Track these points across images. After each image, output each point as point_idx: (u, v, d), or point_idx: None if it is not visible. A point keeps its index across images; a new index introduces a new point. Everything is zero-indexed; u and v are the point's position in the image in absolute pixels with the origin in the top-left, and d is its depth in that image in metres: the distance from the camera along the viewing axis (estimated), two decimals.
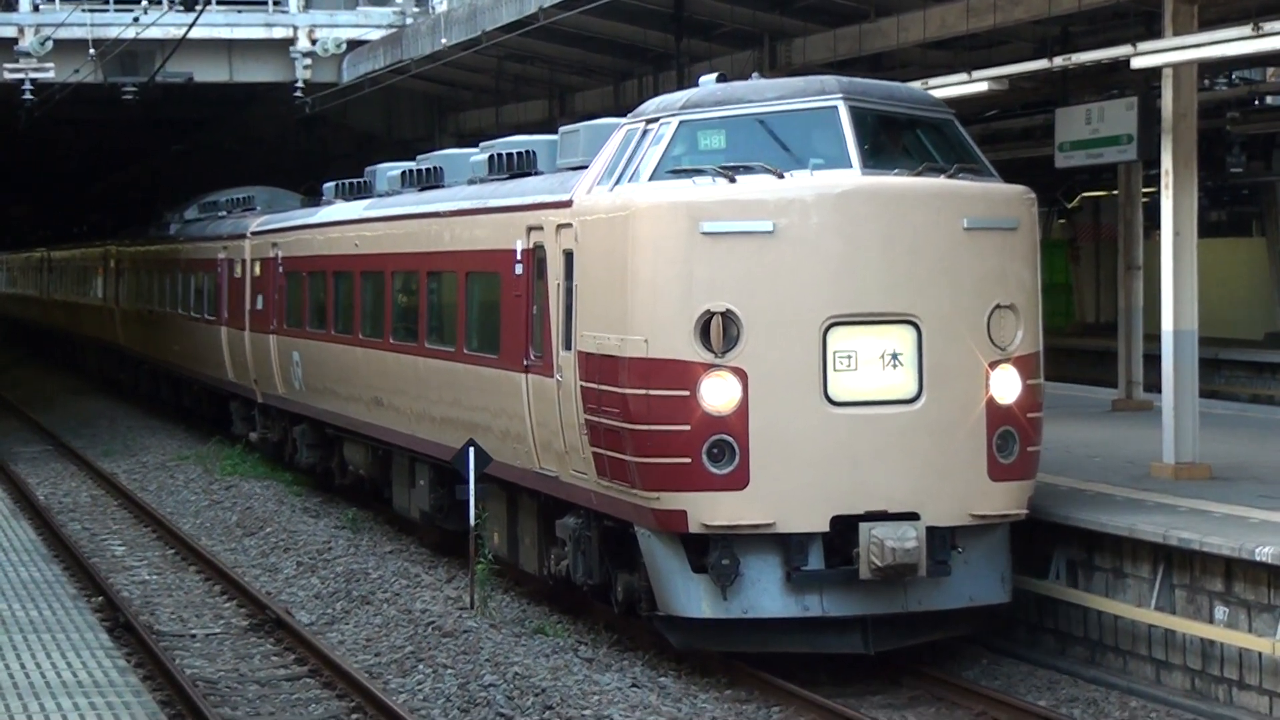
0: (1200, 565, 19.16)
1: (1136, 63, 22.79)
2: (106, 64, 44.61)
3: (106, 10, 45.30)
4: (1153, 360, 26.36)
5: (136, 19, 43.02)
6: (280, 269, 34.99)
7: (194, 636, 22.96)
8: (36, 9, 45.71)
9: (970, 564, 19.36)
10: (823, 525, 18.87)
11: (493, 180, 24.90)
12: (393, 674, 20.71)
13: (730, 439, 18.76)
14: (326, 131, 52.87)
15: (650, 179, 19.62)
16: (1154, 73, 24.26)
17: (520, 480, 23.07)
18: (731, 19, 33.98)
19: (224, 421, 41.24)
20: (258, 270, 36.41)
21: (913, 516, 18.86)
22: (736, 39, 35.15)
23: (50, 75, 44.73)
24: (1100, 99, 27.54)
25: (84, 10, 45.04)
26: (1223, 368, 40.08)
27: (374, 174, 31.70)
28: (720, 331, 18.71)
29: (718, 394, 18.77)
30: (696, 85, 21.23)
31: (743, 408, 18.76)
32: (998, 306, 19.36)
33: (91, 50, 44.41)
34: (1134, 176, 32.16)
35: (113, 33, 44.25)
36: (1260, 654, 18.24)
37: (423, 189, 28.20)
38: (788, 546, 18.87)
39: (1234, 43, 21.62)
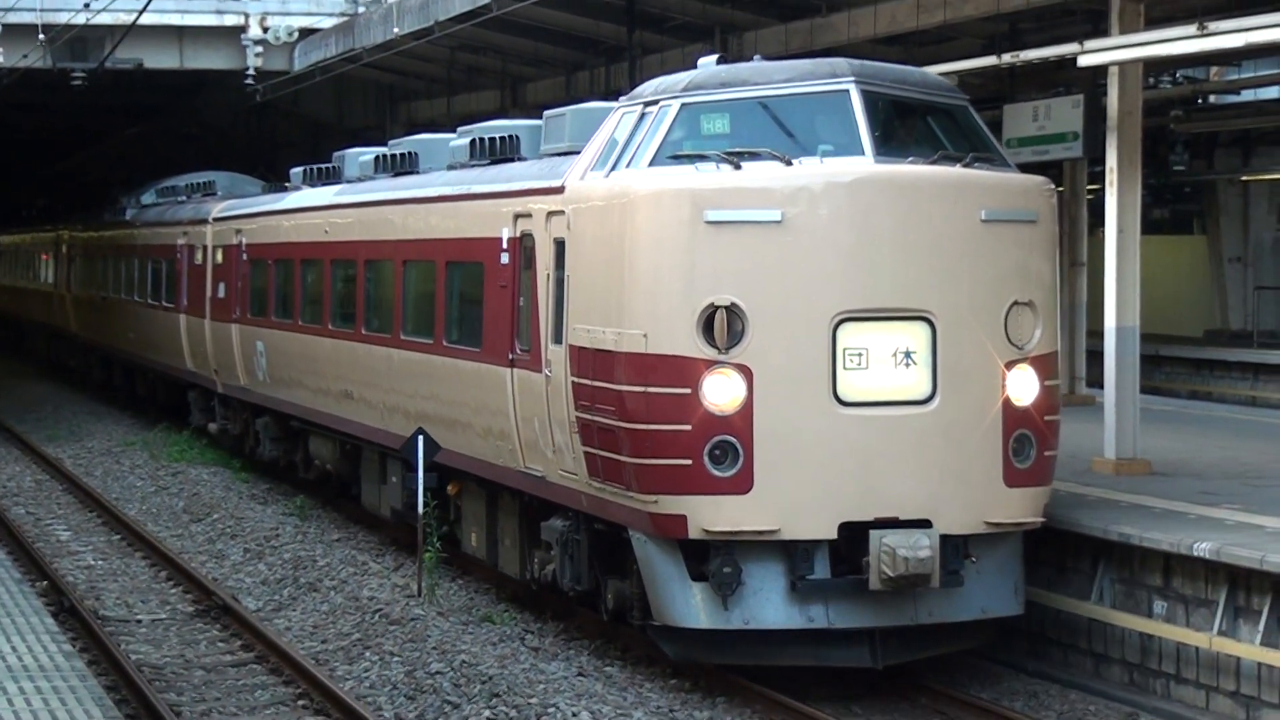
0: (1139, 560, 19.19)
1: (1083, 60, 22.83)
2: (56, 49, 44.52)
3: None
4: (1095, 356, 26.42)
5: (87, 4, 42.62)
6: (244, 256, 33.74)
7: (140, 622, 22.87)
8: None
9: (983, 574, 18.11)
10: (830, 532, 17.59)
11: (474, 166, 23.74)
12: (339, 661, 20.64)
13: (733, 440, 17.40)
14: (278, 119, 52.82)
15: (650, 164, 18.26)
16: (1100, 71, 24.34)
17: (502, 479, 21.89)
18: (683, 12, 34.01)
19: (180, 410, 40.50)
20: (219, 257, 35.32)
21: (925, 524, 17.59)
22: (689, 32, 35.17)
23: None
24: (1047, 96, 27.56)
25: None
26: (1163, 364, 40.22)
27: (343, 159, 30.59)
28: (724, 326, 17.36)
29: (721, 392, 17.42)
30: (695, 67, 19.87)
31: (747, 407, 17.40)
32: (1015, 303, 18.09)
33: (41, 35, 44.33)
34: (1079, 174, 32.31)
35: (63, 18, 44.15)
36: (1197, 648, 18.26)
37: (396, 174, 27.04)
38: (792, 554, 17.64)
39: (1179, 41, 21.66)
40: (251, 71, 46.18)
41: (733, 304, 17.35)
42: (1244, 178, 40.83)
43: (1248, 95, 38.86)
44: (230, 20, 46.41)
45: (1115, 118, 23.60)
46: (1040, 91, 29.71)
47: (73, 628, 21.32)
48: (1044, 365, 18.23)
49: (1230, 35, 21.50)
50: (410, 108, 49.40)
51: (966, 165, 18.24)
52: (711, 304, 17.36)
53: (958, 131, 18.93)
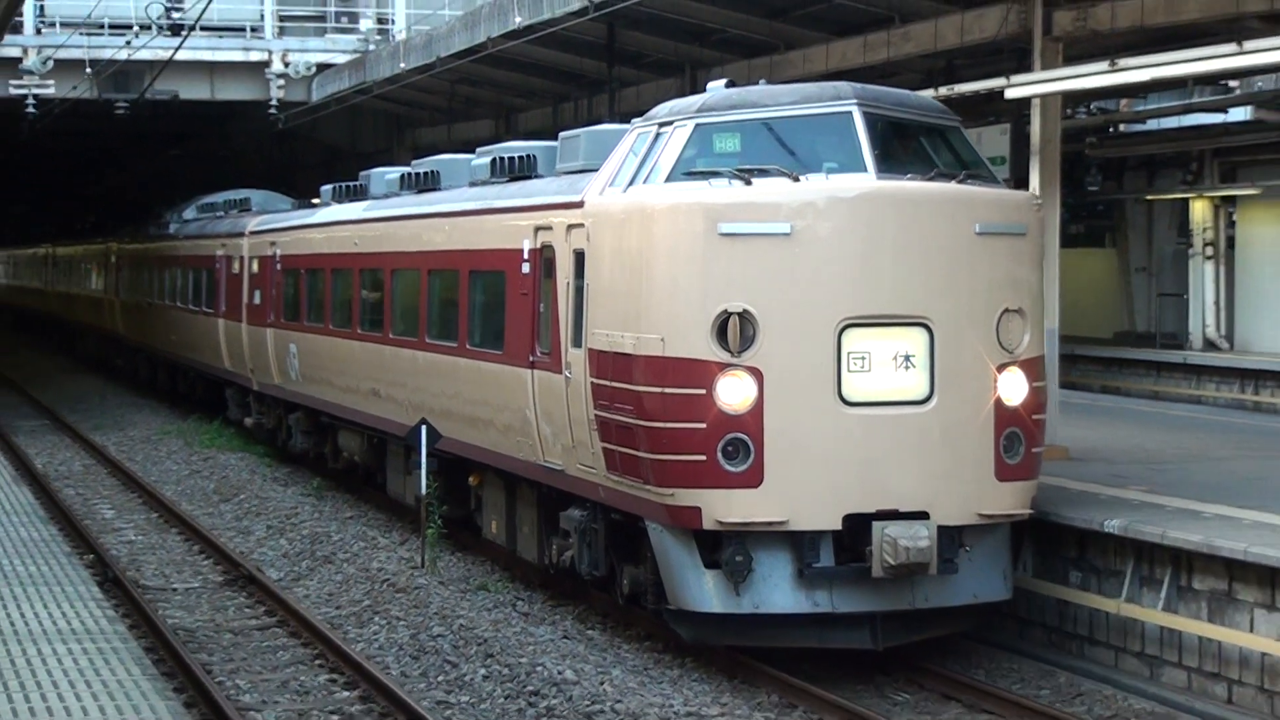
0: (1058, 535, 19.21)
1: (1010, 93, 22.97)
2: (101, 82, 44.61)
3: (102, 34, 45.33)
4: None
5: (128, 42, 43.27)
6: (278, 266, 32.82)
7: (175, 590, 22.84)
8: (39, 32, 45.81)
9: (975, 562, 17.49)
10: (835, 523, 16.94)
11: (494, 183, 22.92)
12: (351, 625, 20.65)
13: (745, 437, 16.75)
14: (297, 144, 52.76)
15: (667, 180, 17.60)
16: (1025, 102, 24.44)
17: (522, 472, 21.00)
18: (657, 50, 34.02)
19: (217, 405, 39.87)
20: (255, 267, 34.56)
21: (923, 515, 17.00)
22: (661, 67, 35.18)
23: (50, 91, 44.79)
24: (980, 125, 27.59)
25: (81, 34, 45.07)
26: (1078, 362, 40.15)
27: (368, 178, 29.62)
28: (737, 331, 16.71)
29: (734, 393, 16.78)
30: (705, 90, 18.99)
31: (758, 407, 16.76)
32: (1006, 310, 17.47)
33: (88, 69, 44.56)
34: None
35: (107, 54, 44.37)
36: (1108, 614, 18.36)
37: (420, 191, 26.20)
38: (799, 543, 16.97)
39: (1093, 76, 21.84)
40: (274, 102, 46.20)
41: (745, 310, 16.76)
42: (1149, 197, 40.79)
43: (1152, 124, 38.90)
44: (256, 56, 46.54)
45: (1038, 144, 23.73)
46: (974, 120, 29.77)
47: (116, 596, 21.27)
48: (1032, 368, 17.72)
49: (1137, 71, 21.65)
50: (415, 134, 49.34)
51: (960, 181, 17.74)
52: (725, 310, 16.78)
53: (950, 150, 18.39)
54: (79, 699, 13.85)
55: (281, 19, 48.75)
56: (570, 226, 19.10)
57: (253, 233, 34.90)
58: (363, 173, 29.82)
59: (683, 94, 33.86)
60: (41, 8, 46.33)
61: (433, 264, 24.10)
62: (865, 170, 17.22)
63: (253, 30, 47.65)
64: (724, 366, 16.77)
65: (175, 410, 44.53)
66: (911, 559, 16.56)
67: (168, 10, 44.53)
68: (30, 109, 45.06)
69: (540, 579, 21.90)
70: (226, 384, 38.13)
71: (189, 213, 44.66)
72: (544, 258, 19.92)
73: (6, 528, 22.17)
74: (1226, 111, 36.90)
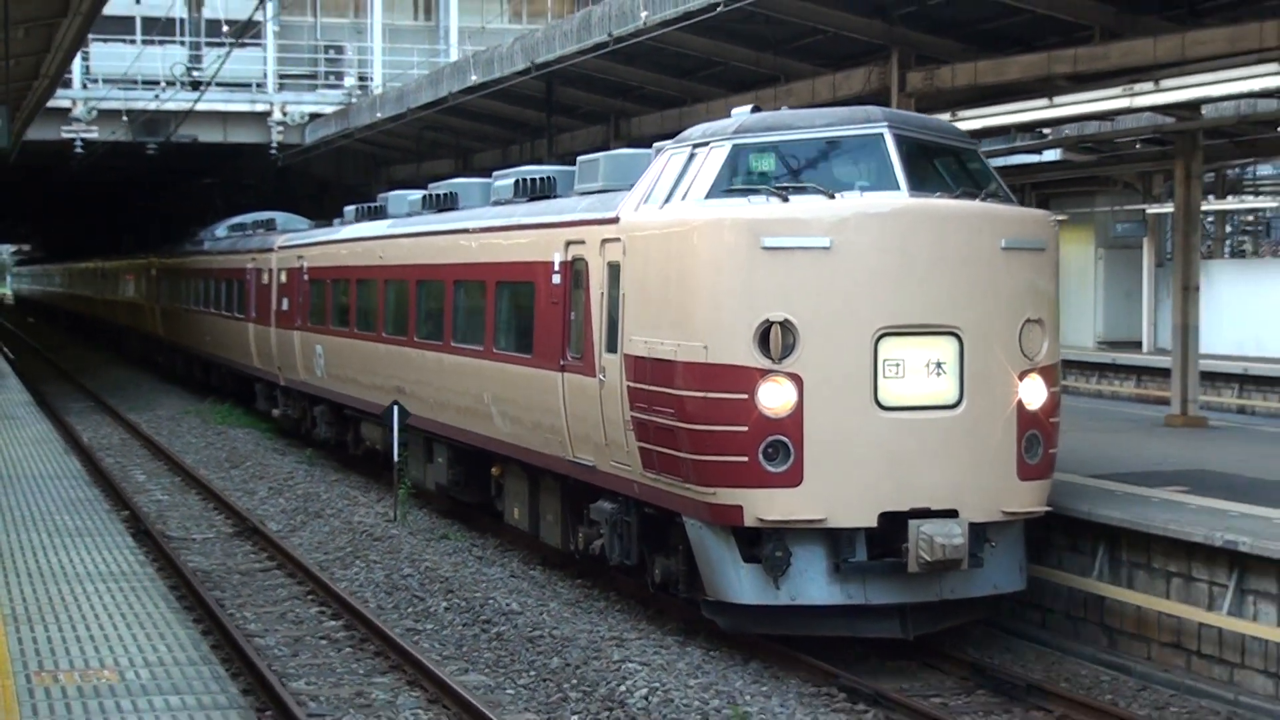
0: None
1: None
2: (135, 127, 44.65)
3: (135, 88, 45.40)
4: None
5: (157, 95, 43.61)
6: (305, 277, 30.85)
7: (194, 540, 22.72)
8: (85, 86, 45.88)
9: (995, 555, 15.57)
10: (871, 521, 14.97)
11: (516, 202, 21.08)
12: (337, 567, 20.59)
13: (785, 439, 14.78)
14: (293, 177, 52.37)
15: (707, 197, 15.63)
16: None
17: (548, 465, 18.94)
18: (587, 103, 33.97)
19: (243, 396, 38.92)
20: (284, 278, 32.85)
21: (952, 513, 15.10)
22: (590, 117, 35.13)
23: (94, 135, 44.75)
24: None
25: (119, 88, 45.27)
26: None
27: (386, 199, 28.02)
28: (779, 339, 14.75)
29: (774, 397, 14.80)
30: (729, 116, 16.97)
31: (798, 411, 14.79)
32: (1028, 320, 15.55)
33: (124, 117, 44.60)
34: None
35: (139, 105, 44.55)
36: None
37: (439, 210, 24.41)
38: (835, 539, 15.04)
39: None
40: (275, 144, 46.14)
41: (785, 320, 14.79)
42: None
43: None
44: (260, 108, 46.56)
45: None
46: None
47: (146, 545, 21.16)
48: (1049, 374, 15.79)
49: (972, 120, 21.82)
50: (389, 170, 49.16)
51: (982, 200, 15.93)
52: (767, 320, 14.80)
53: (968, 171, 16.35)
54: (115, 628, 13.83)
55: (281, 77, 48.99)
56: (605, 241, 17.21)
57: (281, 247, 33.48)
58: (380, 194, 28.26)
59: (608, 140, 33.96)
60: (87, 67, 46.34)
61: (458, 275, 22.17)
62: (898, 188, 15.38)
63: (258, 86, 47.80)
64: (765, 372, 14.83)
65: (195, 395, 44.28)
66: (947, 555, 14.79)
67: (189, 70, 45.74)
68: (78, 149, 45.07)
69: (560, 558, 20.49)
70: (255, 379, 36.81)
71: (220, 231, 43.81)
72: (574, 269, 18.09)
73: (58, 489, 22.04)
74: (1041, 153, 37.17)
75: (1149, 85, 20.43)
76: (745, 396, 14.82)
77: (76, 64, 43.77)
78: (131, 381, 50.33)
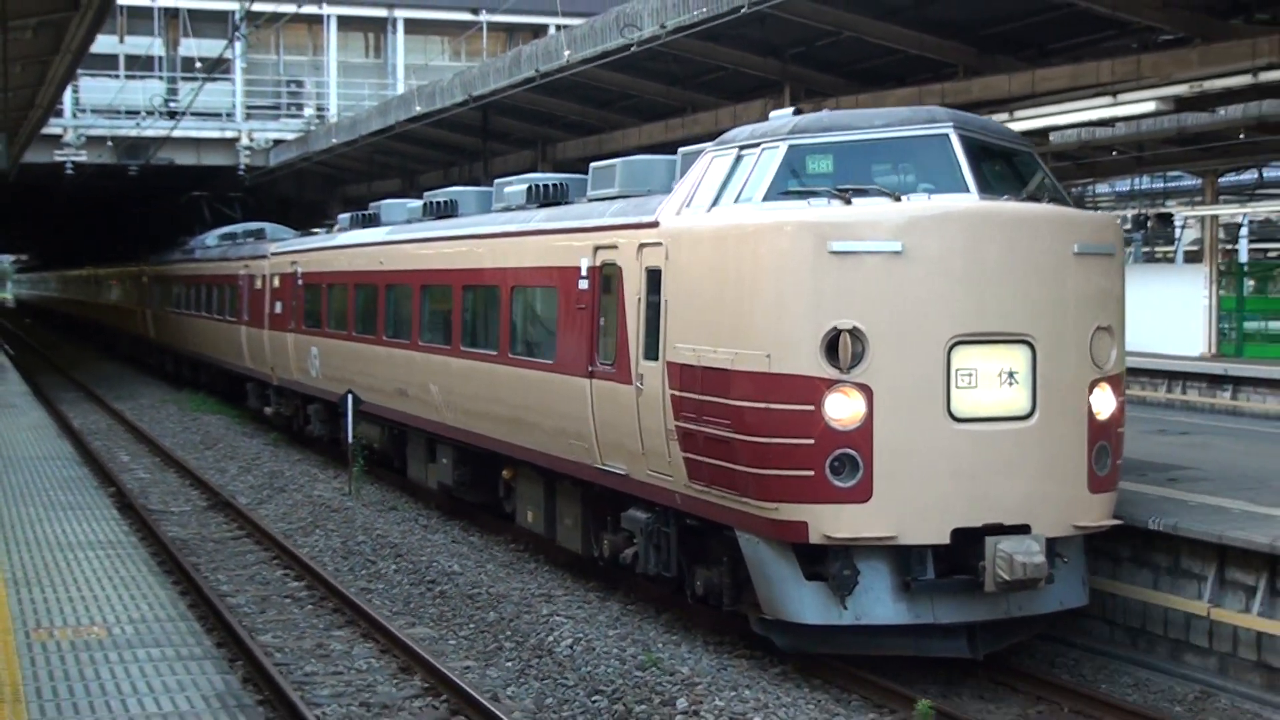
0: None
1: None
2: (119, 151, 44.38)
3: (119, 117, 45.19)
4: None
5: (138, 124, 43.46)
6: (300, 282, 28.32)
7: (172, 512, 22.46)
8: (75, 115, 45.49)
9: (1062, 570, 13.18)
10: (943, 538, 12.52)
11: (527, 208, 18.40)
12: (300, 535, 20.40)
13: (854, 453, 12.32)
14: (259, 195, 52.00)
15: (764, 200, 13.08)
16: None
17: (569, 471, 16.32)
18: (518, 130, 33.99)
19: (231, 394, 37.07)
20: (277, 283, 30.59)
21: (1024, 528, 12.69)
22: (522, 142, 35.15)
23: (83, 158, 44.39)
24: None
25: (105, 117, 44.98)
26: None
27: (379, 208, 25.38)
28: (848, 348, 12.29)
29: (842, 409, 12.34)
30: (767, 120, 14.55)
31: (867, 423, 12.34)
32: (1098, 328, 13.15)
33: (109, 143, 44.27)
34: None
35: (123, 131, 44.31)
36: None
37: (438, 217, 21.87)
38: (903, 556, 12.67)
39: None
40: (243, 167, 45.85)
41: (854, 327, 12.33)
42: None
43: None
44: (230, 134, 46.26)
45: None
46: None
47: (130, 517, 20.92)
48: (1118, 384, 13.41)
49: None
50: (345, 189, 48.93)
51: (1046, 203, 13.52)
52: (835, 327, 12.34)
53: (1029, 174, 13.81)
54: (104, 590, 13.64)
55: (248, 107, 48.62)
56: (643, 245, 14.51)
57: (274, 254, 31.35)
58: (373, 204, 26.24)
59: (536, 163, 33.94)
60: (77, 99, 45.95)
61: (468, 280, 19.43)
62: (968, 191, 12.94)
63: (227, 115, 47.49)
64: (833, 383, 12.34)
65: (173, 386, 43.84)
66: (1028, 575, 12.43)
67: (166, 101, 45.79)
68: (69, 170, 44.65)
69: (497, 526, 20.66)
70: (246, 379, 34.56)
71: (210, 240, 41.93)
72: (604, 274, 15.44)
73: (52, 469, 21.73)
74: None
75: (1005, 115, 20.59)
76: (811, 408, 12.37)
77: (67, 96, 43.32)
78: (117, 375, 49.78)
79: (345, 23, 52.41)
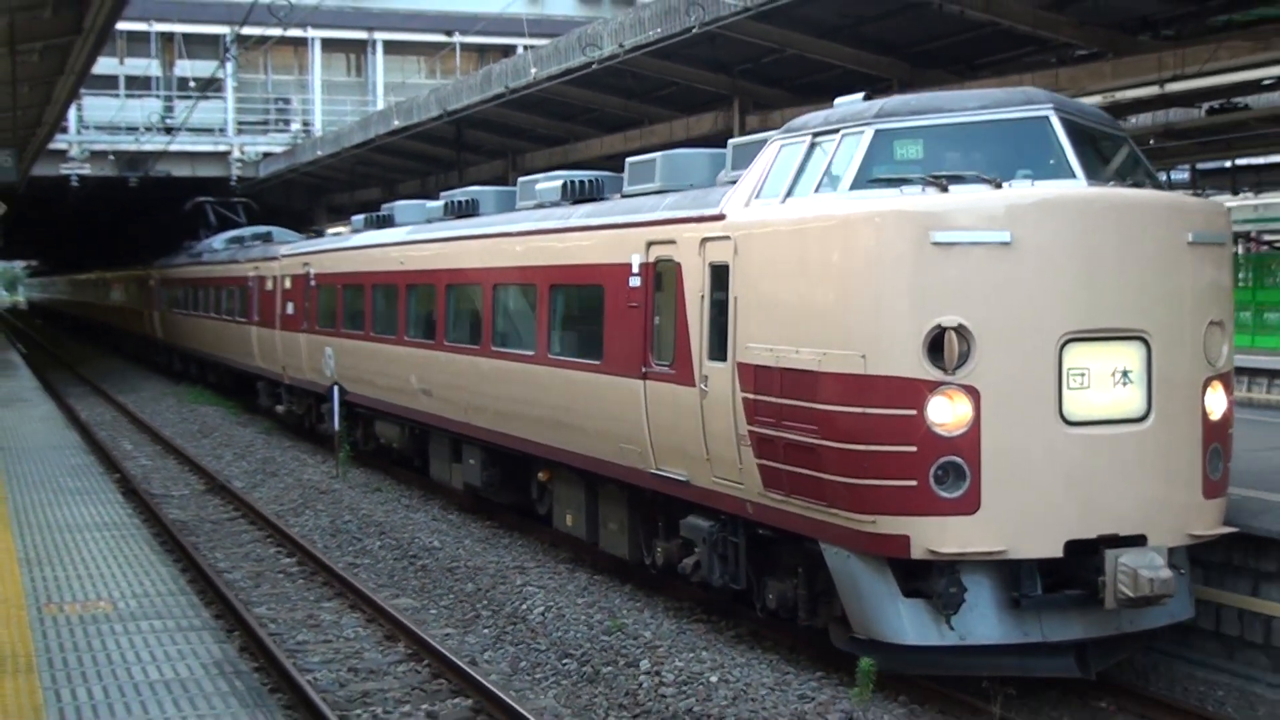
0: None
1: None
2: (120, 164, 44.28)
3: (120, 133, 45.24)
4: None
5: (137, 139, 43.46)
6: (312, 282, 26.09)
7: (173, 496, 22.31)
8: (79, 131, 45.44)
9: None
10: (1057, 550, 10.58)
11: (562, 205, 16.43)
12: (291, 516, 20.30)
13: (960, 460, 10.40)
14: (250, 204, 51.80)
15: (850, 189, 11.07)
16: None
17: (619, 475, 14.27)
18: (489, 142, 33.91)
19: (239, 391, 35.52)
20: (288, 284, 28.16)
21: (1140, 539, 10.79)
22: (493, 153, 35.06)
23: (87, 171, 44.26)
24: None
25: (107, 133, 44.92)
26: None
27: (393, 209, 23.22)
28: (954, 347, 10.34)
29: (947, 413, 10.40)
30: (832, 106, 12.34)
31: (974, 428, 10.40)
32: (1211, 323, 11.19)
33: (111, 156, 44.19)
34: None
35: (124, 146, 44.38)
36: None
37: (459, 217, 19.84)
38: (1011, 571, 10.80)
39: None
40: (235, 178, 45.75)
41: (960, 325, 10.38)
42: None
43: None
44: (222, 148, 46.30)
45: None
46: None
47: (134, 501, 20.75)
48: (1229, 382, 11.50)
49: None
50: (329, 198, 48.75)
51: (1150, 189, 11.56)
52: (939, 325, 10.39)
53: (1125, 159, 11.81)
54: (109, 568, 13.57)
55: (239, 123, 48.60)
56: (706, 240, 12.51)
57: (286, 256, 29.30)
58: (385, 205, 24.31)
59: (506, 173, 33.85)
60: (81, 116, 45.81)
61: (499, 279, 17.35)
62: (1074, 177, 10.97)
63: (220, 131, 47.51)
64: (936, 385, 10.42)
65: (172, 380, 43.57)
66: (1155, 591, 10.53)
67: (163, 118, 45.75)
68: (74, 183, 44.52)
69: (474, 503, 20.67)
70: (257, 378, 32.52)
71: (218, 243, 39.87)
72: (658, 271, 13.46)
73: (61, 457, 21.59)
74: None
75: None
76: (913, 412, 10.45)
77: (71, 113, 43.02)
78: (120, 370, 49.48)
79: (329, 45, 52.28)
